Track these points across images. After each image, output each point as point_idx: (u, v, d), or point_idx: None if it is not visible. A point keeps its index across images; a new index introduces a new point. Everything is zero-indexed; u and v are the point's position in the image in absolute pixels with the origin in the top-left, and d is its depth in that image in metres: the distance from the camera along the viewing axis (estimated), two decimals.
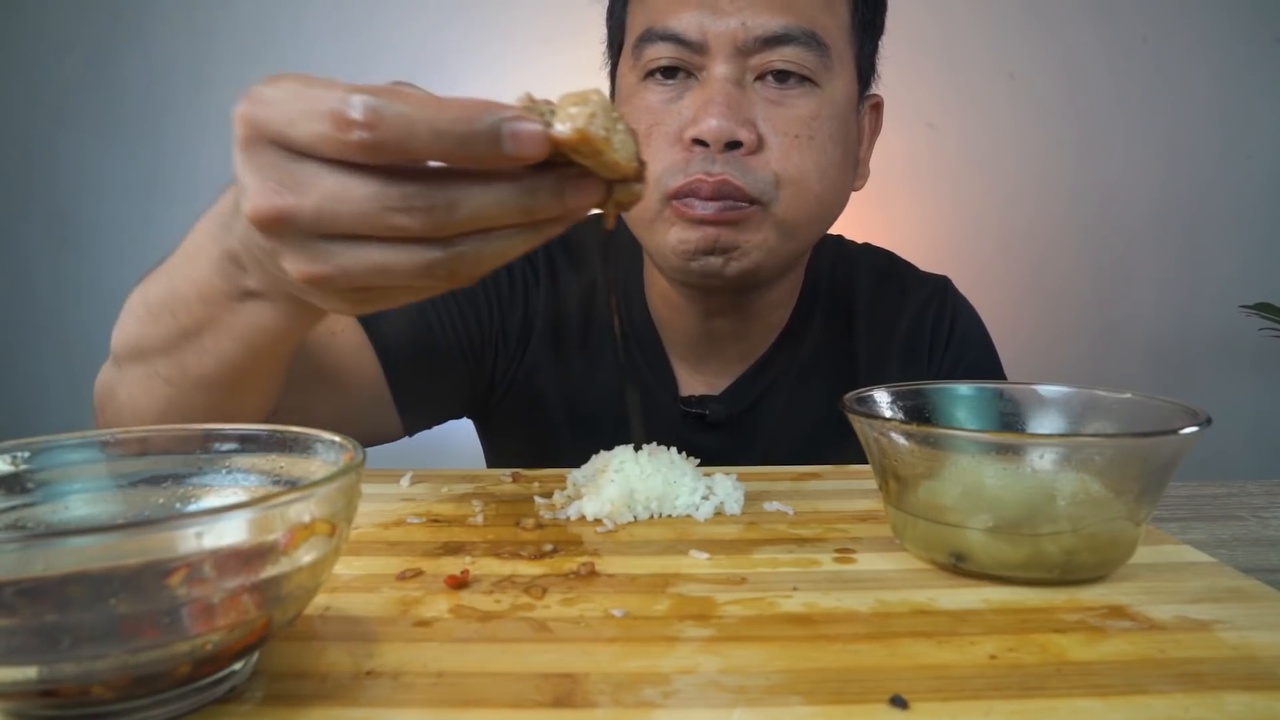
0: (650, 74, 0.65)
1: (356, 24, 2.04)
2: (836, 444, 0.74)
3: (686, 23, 0.62)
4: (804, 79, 0.64)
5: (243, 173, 0.34)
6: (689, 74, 0.64)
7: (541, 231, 0.36)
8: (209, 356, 0.46)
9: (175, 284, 0.45)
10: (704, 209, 0.62)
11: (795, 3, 0.63)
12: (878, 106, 0.75)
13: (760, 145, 0.63)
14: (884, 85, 0.74)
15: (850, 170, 0.70)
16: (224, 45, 2.03)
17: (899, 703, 0.28)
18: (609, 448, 0.54)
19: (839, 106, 0.66)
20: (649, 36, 0.64)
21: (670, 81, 0.64)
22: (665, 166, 0.63)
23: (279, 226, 0.34)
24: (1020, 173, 2.11)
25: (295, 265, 0.35)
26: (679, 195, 0.62)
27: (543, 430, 0.78)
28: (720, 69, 0.62)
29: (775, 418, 0.77)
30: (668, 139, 0.64)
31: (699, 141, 0.62)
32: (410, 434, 0.73)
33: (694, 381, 0.78)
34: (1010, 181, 2.11)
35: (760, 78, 0.63)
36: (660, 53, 0.64)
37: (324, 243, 0.34)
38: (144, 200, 2.07)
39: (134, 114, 2.05)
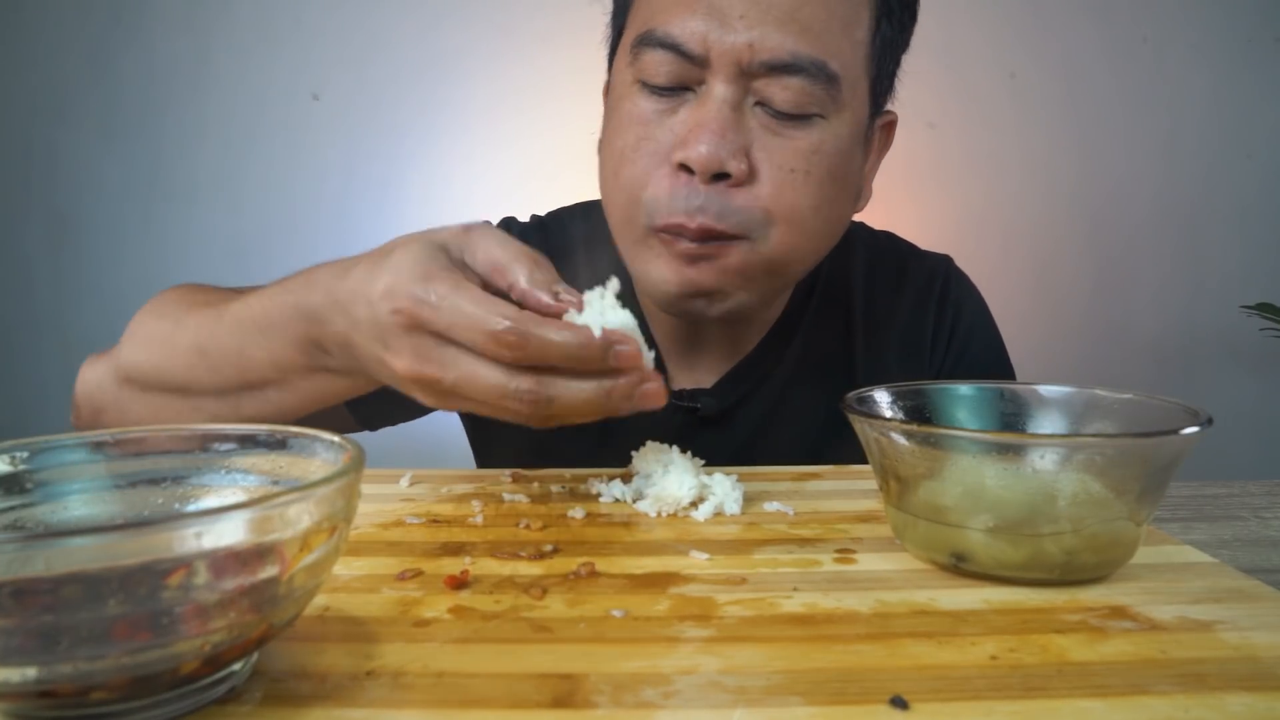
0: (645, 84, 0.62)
1: (356, 24, 2.04)
2: (835, 442, 0.73)
3: (690, 31, 0.58)
4: (807, 116, 0.60)
5: (399, 347, 0.44)
6: (686, 87, 0.60)
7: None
8: (270, 406, 0.53)
9: (246, 348, 0.52)
10: (687, 245, 0.60)
11: (811, 24, 0.58)
12: (890, 125, 0.71)
13: (751, 177, 0.59)
14: None
15: (850, 199, 0.67)
16: (224, 45, 2.03)
17: (899, 703, 0.28)
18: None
19: (843, 140, 0.62)
20: (648, 40, 0.60)
21: (666, 94, 0.61)
22: (651, 193, 0.60)
23: (425, 387, 0.44)
24: (1020, 172, 2.11)
25: (429, 402, 0.46)
26: (663, 230, 0.60)
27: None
28: (719, 89, 0.58)
29: (768, 414, 0.75)
30: (655, 157, 0.60)
31: (686, 167, 0.58)
32: (370, 429, 0.74)
33: (684, 376, 0.76)
34: (1010, 181, 2.11)
35: (761, 103, 0.60)
36: (657, 63, 0.60)
37: (455, 399, 0.45)
38: (144, 200, 2.07)
39: (134, 114, 2.05)
